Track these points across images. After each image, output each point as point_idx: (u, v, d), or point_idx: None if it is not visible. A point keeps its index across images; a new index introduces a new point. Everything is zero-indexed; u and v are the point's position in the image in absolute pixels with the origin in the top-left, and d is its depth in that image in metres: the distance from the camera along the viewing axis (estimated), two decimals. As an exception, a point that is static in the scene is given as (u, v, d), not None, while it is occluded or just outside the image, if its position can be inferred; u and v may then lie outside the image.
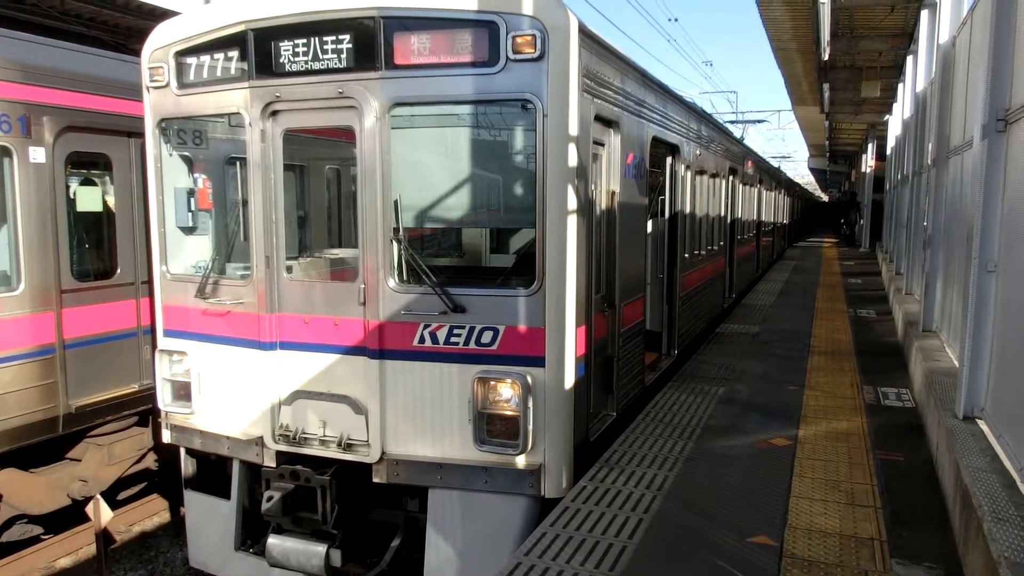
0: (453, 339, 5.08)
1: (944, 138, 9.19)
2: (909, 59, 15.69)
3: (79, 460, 7.54)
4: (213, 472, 6.21)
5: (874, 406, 7.43)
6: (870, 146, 31.73)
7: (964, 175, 7.40)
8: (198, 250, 6.34)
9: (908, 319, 10.19)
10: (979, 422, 5.40)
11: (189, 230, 6.30)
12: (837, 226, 48.66)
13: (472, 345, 5.05)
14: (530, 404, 4.91)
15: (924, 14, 12.33)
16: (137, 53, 6.27)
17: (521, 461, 5.02)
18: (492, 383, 5.00)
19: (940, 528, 4.70)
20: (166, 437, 6.24)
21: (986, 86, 5.40)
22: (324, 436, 5.41)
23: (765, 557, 4.27)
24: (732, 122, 36.65)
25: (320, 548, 5.38)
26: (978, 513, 3.93)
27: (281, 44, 5.27)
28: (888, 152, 23.85)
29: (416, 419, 5.21)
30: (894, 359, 9.62)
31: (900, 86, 18.55)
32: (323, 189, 8.07)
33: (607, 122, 5.93)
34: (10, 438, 6.61)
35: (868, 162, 32.53)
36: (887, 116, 24.13)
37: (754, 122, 40.06)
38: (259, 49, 5.35)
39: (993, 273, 5.32)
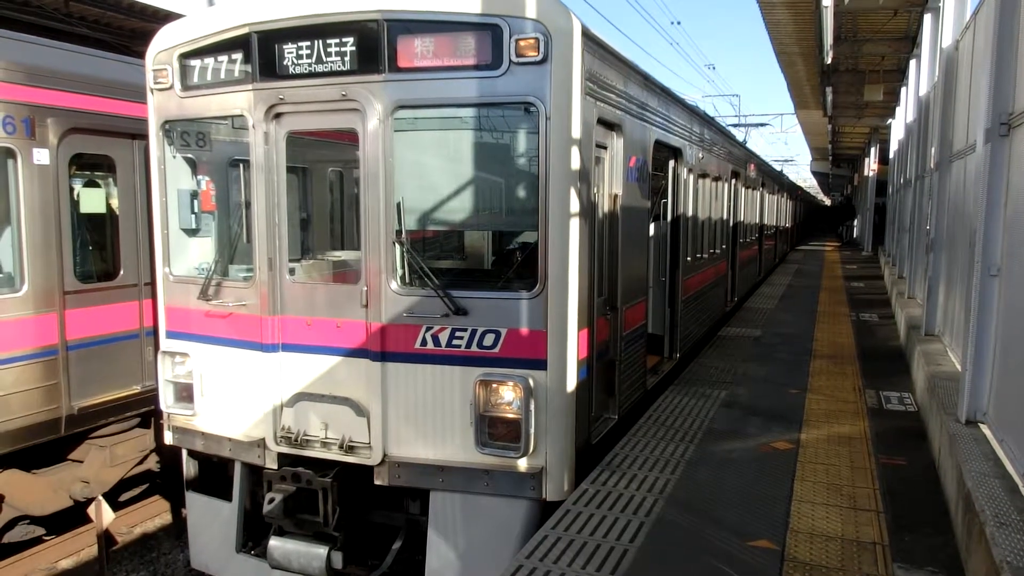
0: (455, 342, 5.09)
1: (947, 142, 9.19)
2: (912, 63, 15.68)
3: (81, 461, 7.55)
4: (215, 474, 6.21)
5: (876, 410, 7.42)
6: (873, 150, 31.72)
7: (967, 179, 7.39)
8: (201, 252, 6.35)
9: (910, 323, 10.17)
10: (981, 426, 5.39)
11: (192, 232, 6.31)
12: (837, 230, 49.48)
13: (474, 348, 5.05)
14: (532, 407, 4.91)
15: (927, 18, 12.33)
16: (141, 55, 6.29)
17: (523, 464, 5.02)
18: (494, 386, 5.00)
19: (942, 532, 4.69)
20: (168, 439, 6.24)
21: (989, 90, 5.39)
22: (326, 438, 5.42)
23: (767, 561, 4.26)
24: (735, 125, 36.62)
25: (321, 550, 5.38)
26: (980, 517, 3.92)
27: (285, 47, 5.28)
28: (891, 156, 23.83)
29: (418, 421, 5.22)
30: (896, 363, 9.61)
31: (903, 90, 18.54)
32: (326, 191, 8.08)
33: (610, 125, 5.93)
34: (13, 439, 6.62)
35: (871, 166, 32.51)
36: (890, 120, 24.13)
37: (756, 125, 40.04)
38: (263, 52, 5.36)
39: (996, 277, 5.31)
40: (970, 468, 4.58)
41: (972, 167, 6.83)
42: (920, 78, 13.38)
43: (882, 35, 16.84)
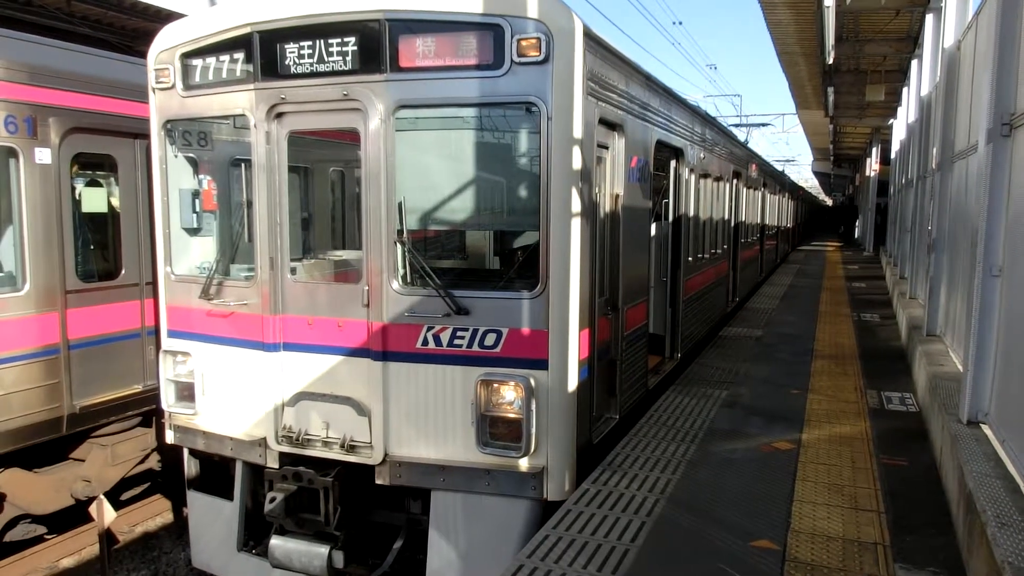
0: (456, 341, 5.09)
1: (949, 142, 9.18)
2: (914, 63, 15.68)
3: (83, 460, 7.56)
4: (216, 473, 6.22)
5: (878, 410, 7.42)
6: (874, 150, 31.69)
7: (969, 179, 7.38)
8: (202, 251, 6.36)
9: (912, 323, 10.17)
10: (983, 427, 5.39)
11: (194, 231, 6.31)
12: (840, 230, 49.51)
13: (475, 347, 5.05)
14: (533, 407, 4.91)
15: (929, 18, 12.32)
16: (143, 55, 6.29)
17: (524, 464, 5.02)
18: (495, 385, 5.00)
19: (944, 533, 4.69)
20: (169, 438, 6.25)
21: (991, 91, 5.39)
22: (327, 437, 5.42)
23: (768, 561, 4.26)
24: (736, 126, 36.66)
25: (323, 549, 5.39)
26: (982, 518, 3.92)
27: (286, 46, 5.29)
28: (892, 156, 23.82)
29: (419, 421, 5.22)
30: (898, 363, 9.60)
31: (905, 90, 18.53)
32: (327, 191, 8.09)
33: (611, 125, 5.93)
34: (15, 438, 6.63)
35: (872, 166, 32.49)
36: (891, 120, 24.10)
37: (758, 125, 40.10)
38: (264, 51, 5.37)
39: (998, 278, 5.31)
40: (971, 468, 4.58)
41: (974, 167, 6.82)
42: (922, 78, 13.37)
43: (884, 35, 16.83)
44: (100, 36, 10.57)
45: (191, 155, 6.30)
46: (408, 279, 5.23)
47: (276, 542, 5.52)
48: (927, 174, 11.76)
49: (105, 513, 6.11)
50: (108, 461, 7.58)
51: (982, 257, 5.39)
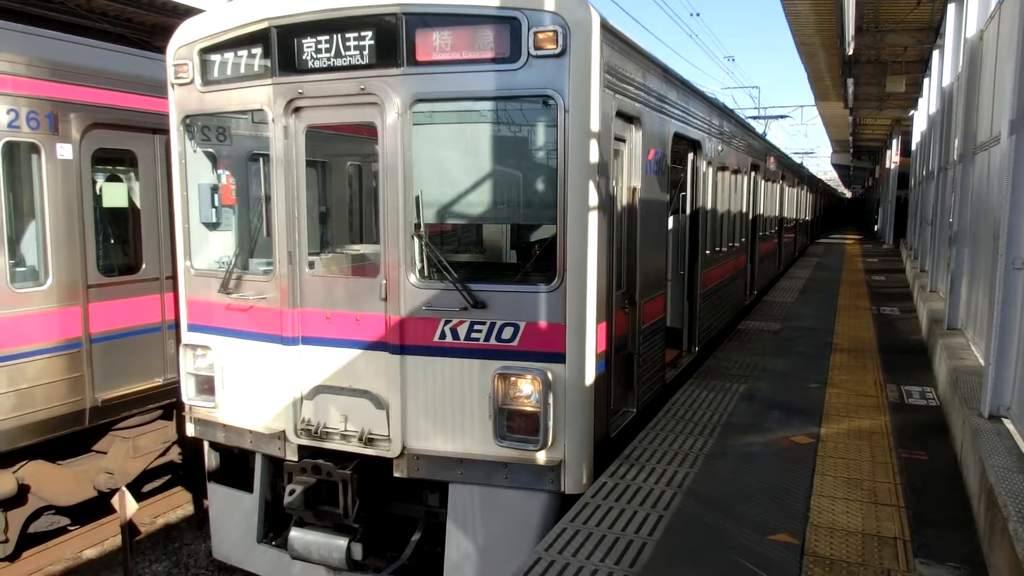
0: (474, 335, 5.10)
1: (971, 134, 9.06)
2: (935, 53, 15.47)
3: (105, 452, 7.66)
4: (236, 465, 6.28)
5: (897, 404, 7.35)
6: (894, 142, 31.32)
7: (991, 171, 7.28)
8: (221, 245, 6.41)
9: (933, 317, 10.06)
10: (1005, 421, 5.33)
11: (213, 226, 6.36)
12: (862, 223, 48.71)
13: (493, 341, 5.06)
14: (550, 400, 4.92)
15: (951, 8, 12.14)
16: (162, 50, 6.34)
17: (541, 457, 5.03)
18: (512, 379, 5.01)
19: (964, 528, 4.65)
20: (190, 430, 6.31)
21: (1014, 81, 5.31)
22: (345, 431, 5.46)
23: (786, 555, 4.25)
24: (754, 118, 36.37)
25: (341, 541, 5.43)
26: (1003, 513, 3.88)
27: (304, 41, 5.31)
28: (913, 148, 23.53)
29: (437, 414, 5.24)
30: (918, 357, 9.51)
31: (926, 81, 18.30)
32: (345, 185, 8.12)
33: (628, 118, 5.91)
34: (38, 430, 6.73)
35: (892, 158, 32.12)
36: (912, 111, 23.80)
37: (776, 118, 39.70)
38: (282, 46, 5.39)
39: (1020, 271, 5.24)
40: (993, 463, 4.53)
41: (996, 159, 6.73)
42: (943, 69, 13.18)
43: (905, 25, 16.60)
44: (118, 32, 10.67)
45: (210, 150, 6.35)
46: (425, 273, 5.25)
47: (295, 534, 5.58)
48: (948, 166, 11.61)
49: (127, 505, 6.19)
50: (130, 453, 7.68)
51: (1004, 250, 5.32)
